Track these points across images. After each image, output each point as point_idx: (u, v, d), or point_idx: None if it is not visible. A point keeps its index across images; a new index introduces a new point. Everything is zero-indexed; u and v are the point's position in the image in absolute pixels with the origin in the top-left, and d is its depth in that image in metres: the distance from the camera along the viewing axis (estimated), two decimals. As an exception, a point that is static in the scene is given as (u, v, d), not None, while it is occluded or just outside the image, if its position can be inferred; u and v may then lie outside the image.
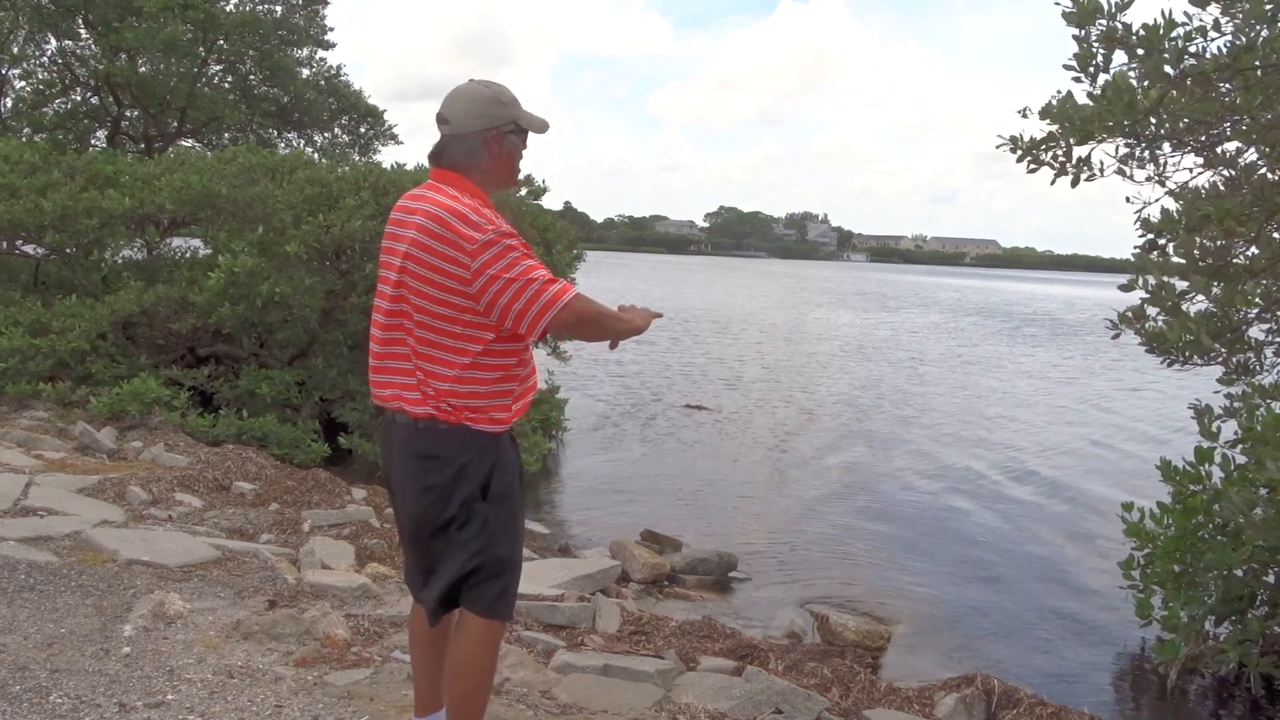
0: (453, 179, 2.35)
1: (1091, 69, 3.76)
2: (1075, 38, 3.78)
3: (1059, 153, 4.00)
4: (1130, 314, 4.29)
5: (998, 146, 4.12)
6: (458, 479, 2.32)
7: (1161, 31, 3.51)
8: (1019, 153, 4.06)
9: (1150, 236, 4.20)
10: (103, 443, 6.70)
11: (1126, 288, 4.22)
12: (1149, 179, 4.12)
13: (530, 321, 2.22)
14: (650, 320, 2.53)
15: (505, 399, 2.36)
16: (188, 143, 20.10)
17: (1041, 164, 4.05)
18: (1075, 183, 4.04)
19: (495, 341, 2.30)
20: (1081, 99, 3.88)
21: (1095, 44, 3.72)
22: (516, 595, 2.47)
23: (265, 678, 3.24)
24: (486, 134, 2.35)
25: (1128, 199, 4.24)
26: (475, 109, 2.34)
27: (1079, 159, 3.98)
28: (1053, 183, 4.03)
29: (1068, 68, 3.81)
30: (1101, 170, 4.06)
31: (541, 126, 2.46)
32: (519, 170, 2.48)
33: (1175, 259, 4.17)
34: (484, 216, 2.24)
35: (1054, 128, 3.98)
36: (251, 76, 20.22)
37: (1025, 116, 4.06)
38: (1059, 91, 3.96)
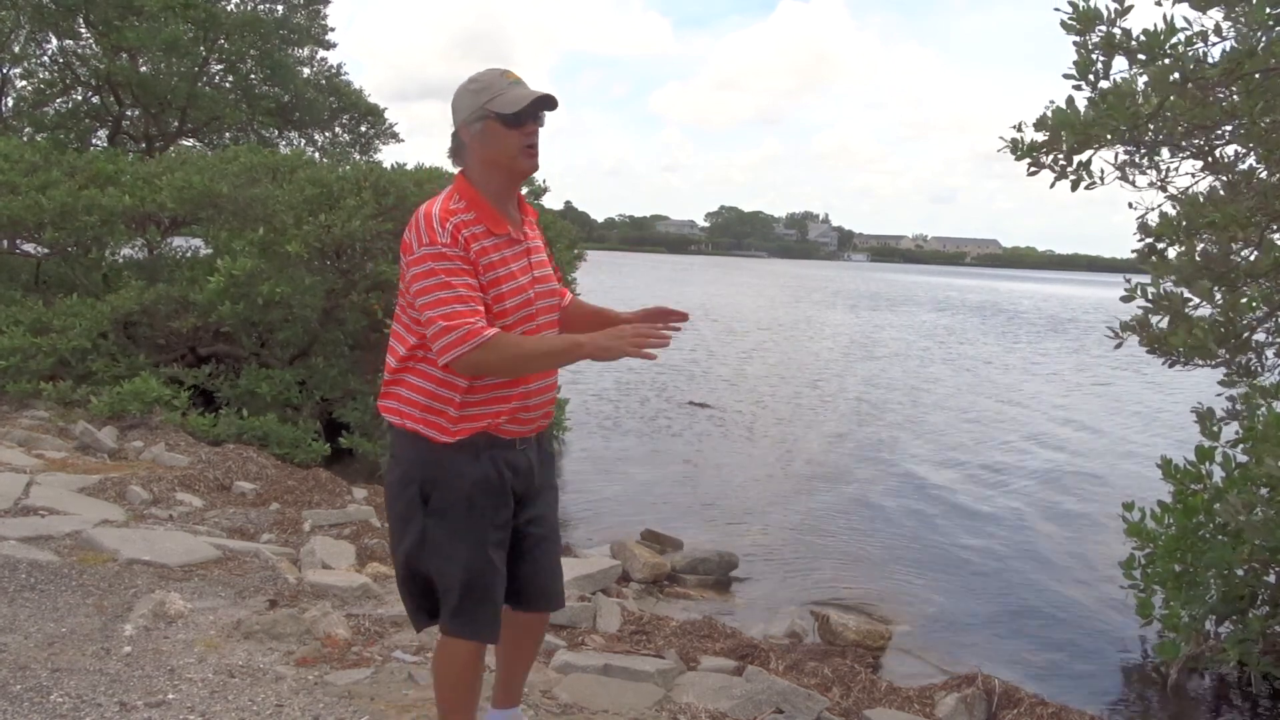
0: (456, 178, 2.35)
1: (1091, 76, 3.76)
2: (1075, 44, 3.78)
3: (1059, 156, 4.00)
4: (1135, 322, 4.29)
5: (999, 150, 4.13)
6: (401, 481, 2.31)
7: (1162, 37, 3.50)
8: (1019, 153, 4.06)
9: (1149, 241, 4.20)
10: (103, 442, 6.70)
11: (1127, 298, 4.21)
12: (1150, 184, 4.12)
13: (439, 355, 2.18)
14: (621, 341, 2.12)
15: (440, 412, 2.26)
16: (189, 142, 20.10)
17: (1042, 167, 4.05)
18: (1075, 186, 4.04)
19: (420, 347, 2.27)
20: (1082, 105, 3.88)
21: (1095, 50, 3.72)
22: (477, 618, 2.31)
23: (266, 677, 3.24)
24: (461, 127, 2.30)
25: (1130, 204, 4.24)
26: (455, 105, 2.32)
27: (1079, 163, 3.98)
28: (1052, 185, 4.03)
29: (1068, 76, 3.81)
30: (1103, 178, 4.06)
31: (509, 106, 2.22)
32: (514, 156, 2.26)
33: (1176, 264, 4.16)
34: (438, 227, 2.18)
35: (1046, 135, 3.98)
36: (252, 76, 20.21)
37: (1020, 131, 4.06)
38: (1051, 102, 3.97)
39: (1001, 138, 4.14)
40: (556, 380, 2.47)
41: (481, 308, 2.18)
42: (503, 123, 2.23)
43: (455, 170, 2.41)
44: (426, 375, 2.27)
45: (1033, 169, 4.06)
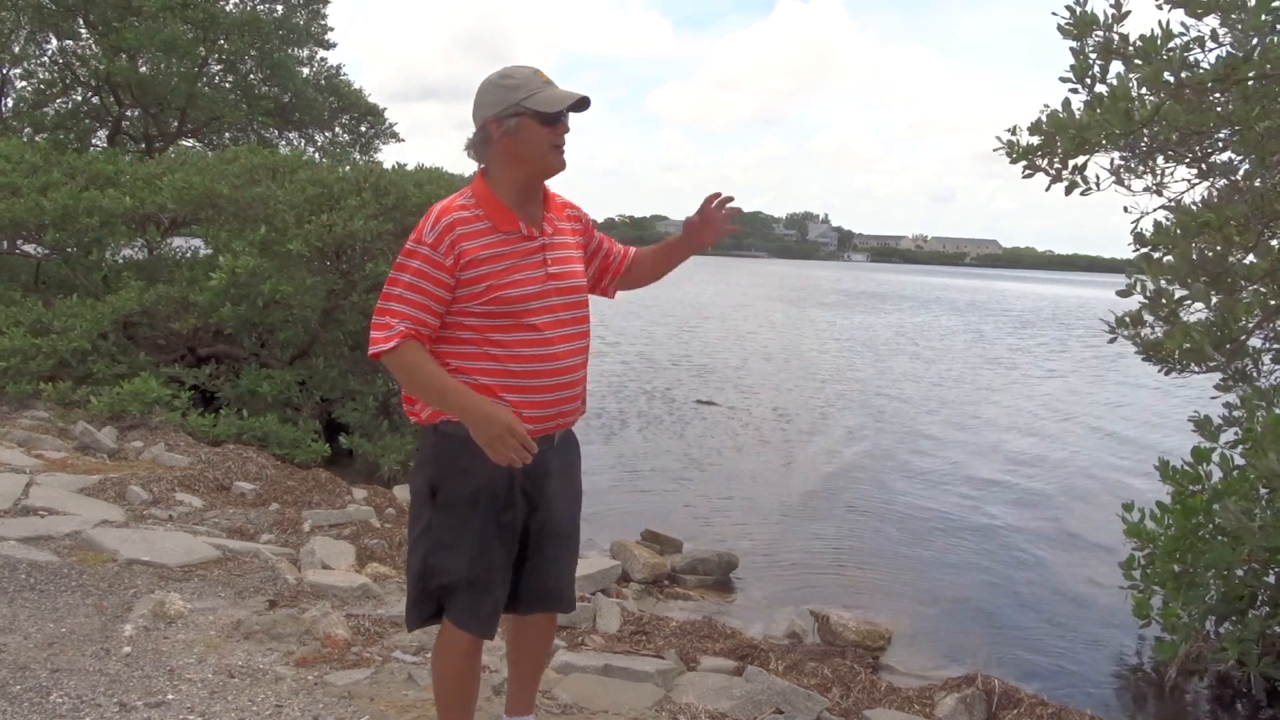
0: (475, 177, 2.36)
1: (1088, 79, 3.76)
2: (1072, 49, 3.78)
3: (1054, 160, 4.00)
4: (1128, 319, 4.28)
5: (994, 150, 4.13)
6: (417, 470, 2.40)
7: (1159, 42, 3.50)
8: (1014, 156, 4.06)
9: (1144, 251, 4.20)
10: (103, 442, 6.70)
11: (1124, 293, 4.21)
12: (1146, 189, 4.13)
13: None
14: (496, 430, 2.13)
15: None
16: (188, 142, 20.10)
17: (1037, 169, 4.05)
18: (1070, 190, 4.04)
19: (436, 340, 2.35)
20: (1078, 109, 3.88)
21: (1092, 54, 3.72)
22: (476, 611, 2.33)
23: (266, 677, 3.25)
24: (488, 122, 2.27)
25: (1125, 209, 4.24)
26: (482, 99, 2.29)
27: (1074, 166, 3.98)
28: (1047, 189, 4.03)
29: (1064, 80, 3.81)
30: (1098, 184, 4.06)
31: (547, 105, 2.23)
32: (545, 154, 2.27)
33: (1173, 264, 4.16)
34: (430, 225, 2.23)
35: (1041, 138, 3.99)
36: (252, 76, 20.20)
37: (1014, 134, 4.06)
38: (1046, 106, 3.97)
39: (998, 138, 4.15)
40: (579, 378, 2.39)
41: (425, 312, 2.21)
42: (538, 120, 2.24)
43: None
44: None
45: (1028, 171, 4.07)
